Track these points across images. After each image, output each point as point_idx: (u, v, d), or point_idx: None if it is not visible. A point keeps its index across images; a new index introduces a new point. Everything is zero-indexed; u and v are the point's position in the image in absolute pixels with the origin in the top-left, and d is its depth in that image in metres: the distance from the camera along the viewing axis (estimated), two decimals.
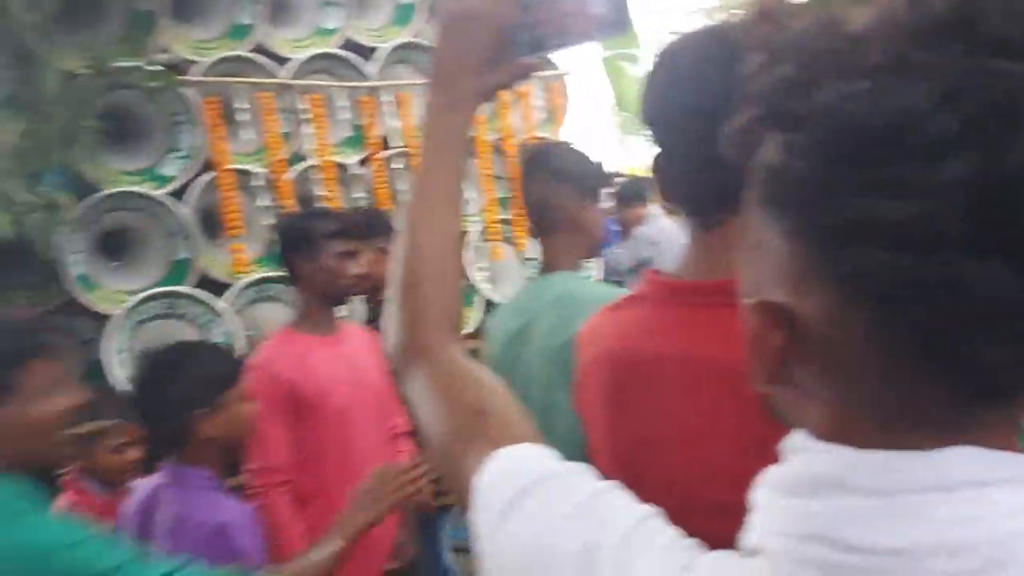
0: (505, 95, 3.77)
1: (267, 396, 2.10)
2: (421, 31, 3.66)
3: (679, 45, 0.87)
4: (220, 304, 3.03)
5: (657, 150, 0.93)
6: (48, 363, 1.41)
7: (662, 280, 0.92)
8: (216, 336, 3.05)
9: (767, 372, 0.49)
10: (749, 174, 0.50)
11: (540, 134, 3.97)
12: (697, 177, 0.83)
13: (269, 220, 3.23)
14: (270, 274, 3.20)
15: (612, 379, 0.91)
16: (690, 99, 0.81)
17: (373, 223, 2.81)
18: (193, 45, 3.10)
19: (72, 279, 2.82)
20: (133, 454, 2.27)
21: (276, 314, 3.33)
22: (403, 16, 3.63)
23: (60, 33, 2.62)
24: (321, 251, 2.29)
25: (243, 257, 3.12)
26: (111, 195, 2.87)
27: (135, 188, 2.93)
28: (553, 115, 4.04)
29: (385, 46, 3.51)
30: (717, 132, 0.78)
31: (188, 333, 3.05)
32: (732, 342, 0.79)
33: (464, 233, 3.84)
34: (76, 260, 2.85)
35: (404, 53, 3.59)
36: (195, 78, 3.00)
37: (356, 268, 2.37)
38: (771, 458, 0.70)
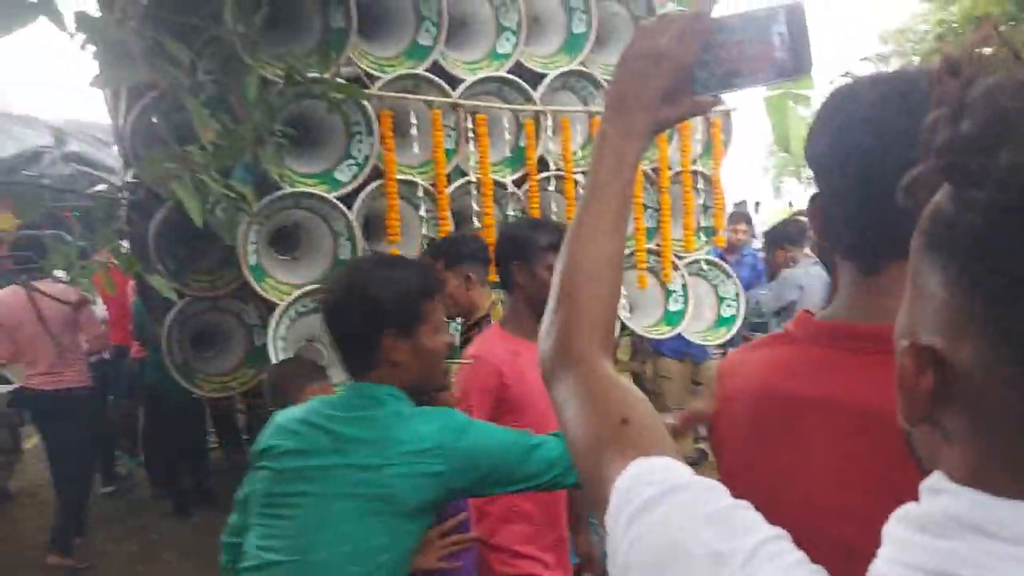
0: None
1: (477, 381, 2.20)
2: (588, 60, 3.75)
3: (856, 89, 0.87)
4: None
5: (815, 191, 0.93)
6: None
7: (814, 321, 0.92)
8: None
9: (914, 412, 0.51)
10: (919, 221, 0.52)
11: (696, 168, 3.97)
12: (863, 221, 0.83)
13: (426, 230, 3.40)
14: None
15: (753, 415, 0.92)
16: (865, 144, 0.81)
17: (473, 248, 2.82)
18: (376, 61, 3.31)
19: (247, 268, 3.07)
20: None
21: None
22: (573, 45, 3.73)
23: (263, 43, 2.87)
24: (538, 261, 2.35)
25: None
26: (289, 194, 3.11)
27: (311, 189, 3.16)
28: (712, 149, 4.03)
29: (552, 73, 3.61)
30: (890, 179, 0.80)
31: None
32: (879, 389, 0.80)
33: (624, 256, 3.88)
34: (252, 251, 3.11)
35: (569, 80, 3.69)
36: (375, 92, 3.20)
37: None
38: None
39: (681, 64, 0.82)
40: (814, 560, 0.80)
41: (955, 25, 14.13)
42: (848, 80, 0.90)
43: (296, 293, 3.12)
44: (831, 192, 0.88)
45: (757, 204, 15.76)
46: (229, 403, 4.97)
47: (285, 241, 3.39)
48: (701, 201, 4.06)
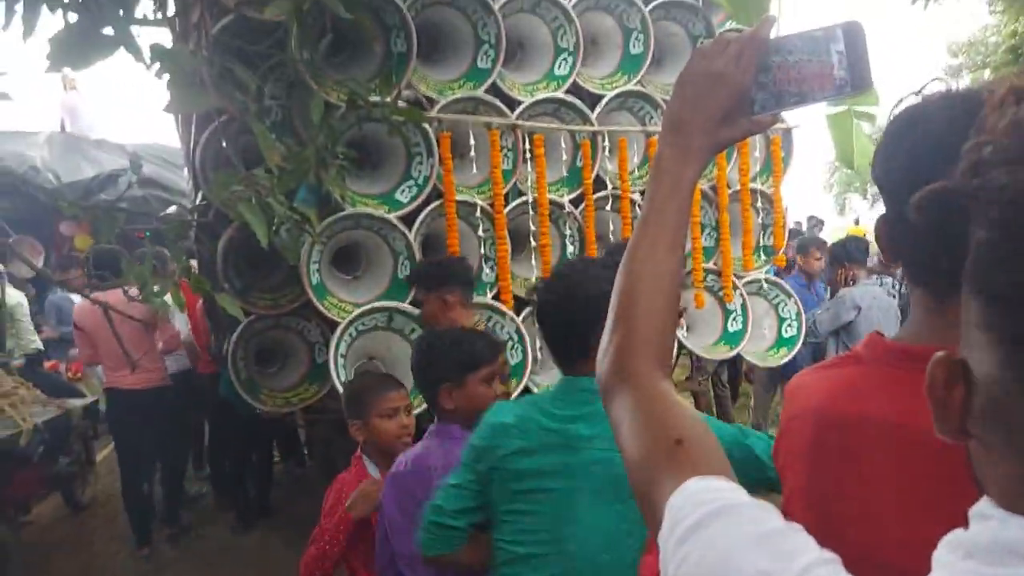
0: None
1: None
2: (645, 80, 3.76)
3: (927, 110, 0.86)
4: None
5: (883, 210, 0.92)
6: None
7: (884, 343, 0.91)
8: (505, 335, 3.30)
9: (946, 424, 0.52)
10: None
11: (756, 186, 3.93)
12: (933, 248, 0.82)
13: (484, 249, 3.44)
14: (477, 299, 3.40)
15: (814, 435, 0.92)
16: (937, 169, 0.80)
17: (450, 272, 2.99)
18: (436, 85, 3.38)
19: (309, 286, 3.15)
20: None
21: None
22: (631, 65, 3.74)
23: (326, 69, 2.96)
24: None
25: None
26: (351, 215, 3.18)
27: (372, 210, 3.23)
28: (772, 167, 3.99)
29: (609, 93, 3.63)
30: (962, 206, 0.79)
31: (400, 346, 3.31)
32: None
33: (684, 275, 3.87)
34: (314, 270, 3.19)
35: (627, 100, 3.70)
36: (434, 115, 3.26)
37: None
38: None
39: (739, 85, 0.83)
40: None
41: None
42: (917, 99, 0.89)
43: (357, 311, 3.18)
44: (900, 215, 0.87)
45: (821, 222, 15.42)
46: (292, 419, 5.08)
47: (346, 260, 3.47)
48: (760, 220, 4.01)
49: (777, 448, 1.00)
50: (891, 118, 0.92)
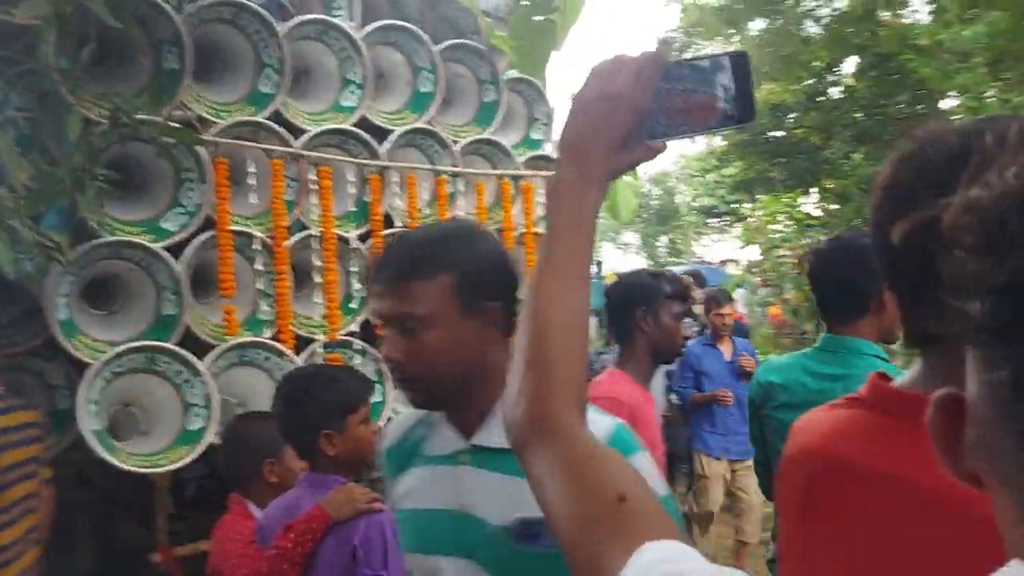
0: (509, 189, 3.86)
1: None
2: (434, 120, 3.75)
3: (931, 153, 0.82)
4: (200, 365, 2.97)
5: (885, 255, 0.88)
6: None
7: (890, 388, 0.88)
8: (191, 398, 2.98)
9: (950, 462, 0.49)
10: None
11: (540, 229, 4.04)
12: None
13: (262, 284, 3.21)
14: (255, 339, 3.17)
15: (812, 478, 0.88)
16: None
17: None
18: (212, 106, 3.14)
19: (55, 323, 2.76)
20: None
21: (252, 380, 3.28)
22: (419, 103, 3.72)
23: (87, 81, 2.64)
24: (662, 309, 2.52)
25: (233, 319, 3.08)
26: (108, 243, 2.84)
27: (134, 238, 2.91)
28: None
29: (399, 129, 3.57)
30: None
31: (164, 391, 2.99)
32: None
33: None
34: (62, 304, 2.80)
35: (415, 138, 3.66)
36: (210, 137, 3.01)
37: (686, 331, 2.68)
38: None
39: (639, 108, 0.79)
40: None
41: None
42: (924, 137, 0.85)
43: (113, 351, 2.83)
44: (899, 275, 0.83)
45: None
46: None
47: (101, 294, 3.09)
48: None
49: (778, 487, 0.97)
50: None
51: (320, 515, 1.90)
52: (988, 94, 8.78)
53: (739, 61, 0.80)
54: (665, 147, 0.84)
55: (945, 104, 11.86)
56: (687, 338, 2.73)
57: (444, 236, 1.36)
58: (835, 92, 15.77)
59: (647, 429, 2.30)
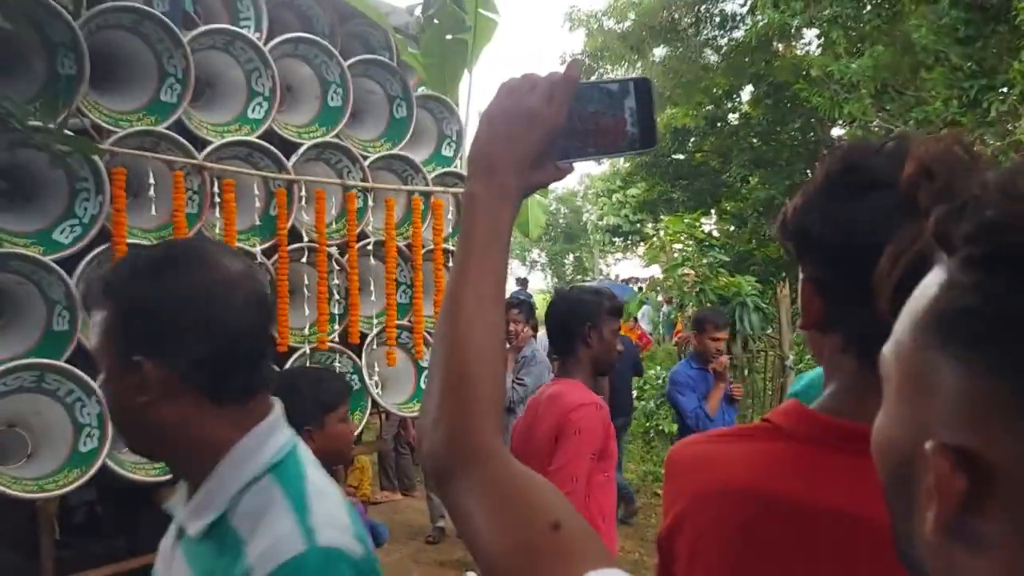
0: (419, 205, 3.85)
1: (603, 425, 2.49)
2: (342, 134, 3.72)
3: (874, 166, 0.81)
4: (94, 383, 2.84)
5: (812, 270, 0.86)
6: None
7: (816, 417, 0.84)
8: (83, 418, 2.85)
9: (943, 521, 0.44)
10: (915, 318, 0.48)
11: (448, 246, 4.04)
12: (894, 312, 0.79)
13: None
14: None
15: (745, 519, 0.83)
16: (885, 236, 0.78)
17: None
18: (110, 114, 3.02)
19: None
20: None
21: None
22: (328, 117, 3.67)
23: None
24: (605, 324, 2.65)
25: None
26: None
27: (22, 250, 2.76)
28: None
29: (307, 142, 3.52)
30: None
31: (54, 411, 2.84)
32: None
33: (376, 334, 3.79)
34: None
35: (324, 152, 3.62)
36: (108, 147, 2.90)
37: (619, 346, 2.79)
38: None
39: (552, 126, 0.78)
40: None
41: (658, 133, 16.02)
42: (851, 152, 0.84)
43: None
44: (850, 284, 0.75)
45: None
46: None
47: None
48: None
49: (678, 527, 0.89)
50: (830, 176, 0.86)
51: None
52: (873, 123, 9.31)
53: (643, 87, 0.81)
54: (572, 168, 0.83)
55: (835, 132, 12.52)
56: (620, 352, 2.88)
57: (131, 260, 1.07)
58: (733, 118, 16.42)
59: (612, 435, 2.55)
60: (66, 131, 2.75)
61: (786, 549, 0.80)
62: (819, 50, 11.17)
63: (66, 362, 2.82)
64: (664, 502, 0.94)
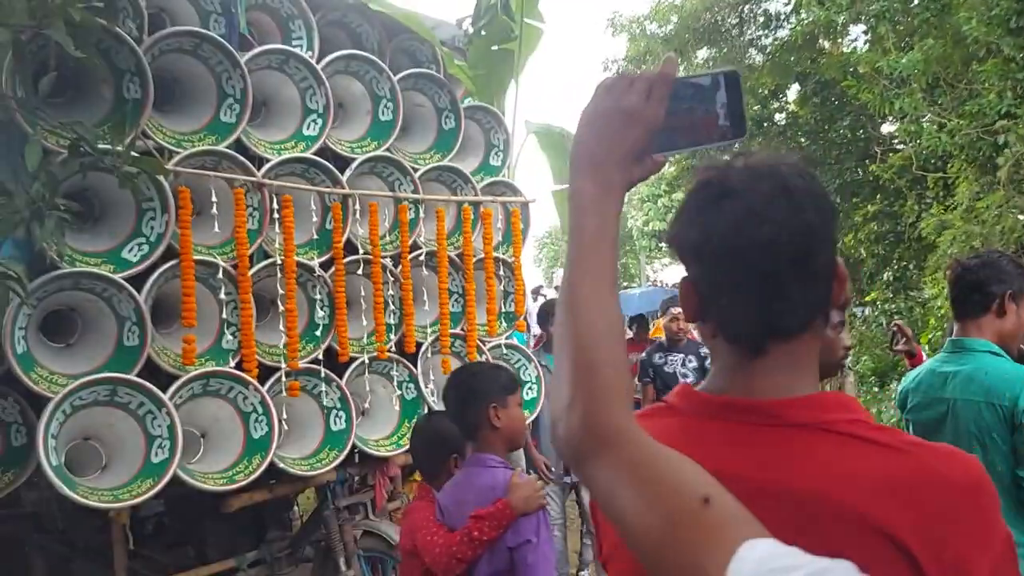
0: (470, 214, 3.90)
1: None
2: (393, 147, 3.79)
3: (733, 180, 0.89)
4: (164, 396, 2.94)
5: (684, 275, 0.95)
6: None
7: (701, 395, 0.94)
8: (155, 430, 2.94)
9: None
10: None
11: (498, 254, 4.08)
12: (753, 307, 0.87)
13: (226, 314, 3.19)
14: (218, 368, 3.14)
15: None
16: (762, 237, 0.85)
17: None
18: (173, 136, 3.13)
19: (13, 356, 2.70)
20: None
21: (215, 409, 3.25)
22: (380, 131, 3.75)
23: (47, 110, 2.62)
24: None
25: (192, 348, 3.05)
26: (68, 274, 2.80)
27: (94, 269, 2.87)
28: (512, 238, 4.17)
29: (360, 157, 3.60)
30: (784, 270, 0.85)
31: (126, 424, 2.94)
32: (783, 462, 0.83)
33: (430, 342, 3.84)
34: (19, 337, 2.74)
35: (376, 165, 3.69)
36: (174, 167, 3.00)
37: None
38: None
39: (652, 123, 0.82)
40: None
41: None
42: (716, 172, 0.93)
43: (74, 384, 2.78)
44: (714, 280, 0.90)
45: (536, 290, 16.36)
46: None
47: (59, 326, 3.04)
48: (503, 287, 4.16)
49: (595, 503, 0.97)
50: (694, 190, 0.95)
51: (507, 511, 2.15)
52: (925, 117, 9.12)
53: (732, 80, 0.86)
54: (667, 161, 0.88)
55: (886, 128, 12.28)
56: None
57: None
58: (780, 118, 16.20)
59: None
60: (132, 153, 2.85)
61: None
62: (866, 46, 10.98)
63: (137, 376, 2.93)
64: None
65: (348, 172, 3.56)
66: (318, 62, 3.53)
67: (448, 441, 2.58)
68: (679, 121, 0.85)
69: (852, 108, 12.35)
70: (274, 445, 3.19)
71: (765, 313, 0.88)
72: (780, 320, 0.88)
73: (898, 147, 11.24)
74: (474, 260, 3.97)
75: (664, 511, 0.68)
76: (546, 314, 5.51)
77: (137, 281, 2.98)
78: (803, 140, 14.88)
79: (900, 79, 9.04)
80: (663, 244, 25.16)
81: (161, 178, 2.95)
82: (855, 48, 11.76)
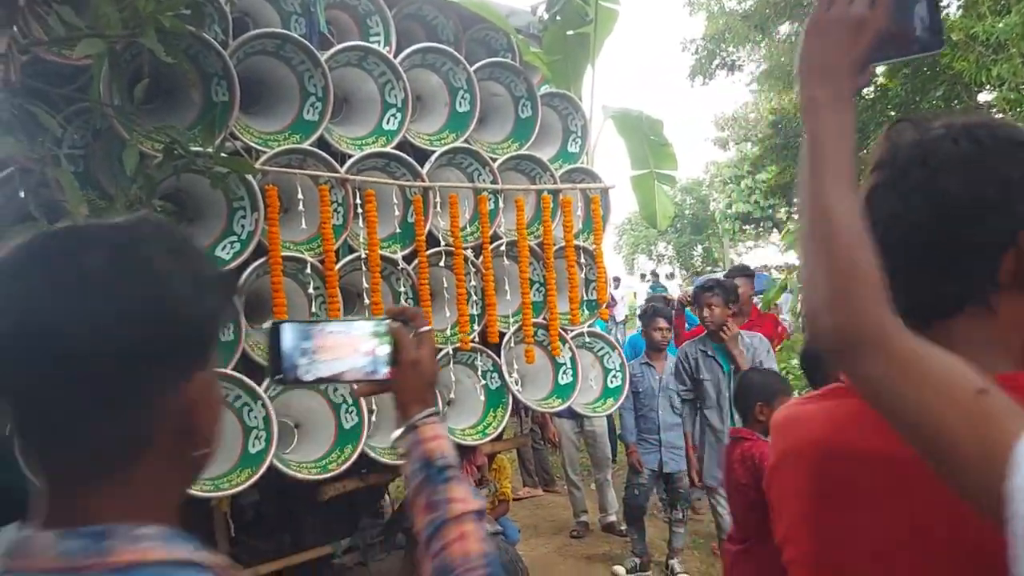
0: (549, 203, 3.88)
1: None
2: (471, 138, 3.80)
3: (927, 152, 0.88)
4: (259, 388, 3.03)
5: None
6: None
7: None
8: (251, 421, 3.04)
9: None
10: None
11: (579, 242, 4.06)
12: (919, 286, 0.86)
13: (315, 308, 3.27)
14: None
15: (816, 469, 0.91)
16: (893, 207, 0.85)
17: None
18: (259, 136, 3.22)
19: None
20: None
21: (308, 401, 3.34)
22: (457, 123, 3.77)
23: (142, 116, 2.73)
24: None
25: None
26: None
27: None
28: (592, 225, 4.14)
29: (439, 149, 3.63)
30: (959, 246, 0.82)
31: (225, 416, 3.05)
32: None
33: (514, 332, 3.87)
34: None
35: (455, 157, 3.71)
36: (262, 167, 3.09)
37: None
38: (983, 567, 0.69)
39: (878, 31, 0.83)
40: None
41: (789, 113, 15.43)
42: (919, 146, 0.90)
43: None
44: (891, 255, 0.86)
45: (616, 279, 16.23)
46: None
47: None
48: (584, 275, 4.14)
49: (770, 482, 0.99)
50: (894, 159, 0.92)
51: None
52: None
53: None
54: (875, 72, 0.90)
55: (983, 97, 11.68)
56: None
57: None
58: (868, 92, 15.60)
59: None
60: (222, 154, 2.95)
61: (852, 493, 0.86)
62: (960, 12, 10.47)
63: (232, 370, 3.04)
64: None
65: (428, 165, 3.59)
66: (395, 56, 3.57)
67: (759, 391, 3.19)
68: (889, 31, 0.86)
69: (945, 78, 11.78)
70: (364, 435, 3.26)
71: (907, 289, 0.85)
72: (940, 296, 0.84)
73: (997, 117, 10.67)
74: (554, 249, 3.96)
75: (942, 403, 0.69)
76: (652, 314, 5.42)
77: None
78: (893, 114, 14.29)
79: (997, 44, 8.58)
80: (746, 226, 24.59)
81: (250, 177, 3.04)
82: (947, 15, 11.21)
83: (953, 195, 0.83)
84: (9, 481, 3.63)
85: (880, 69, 15.12)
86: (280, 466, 3.07)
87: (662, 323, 5.34)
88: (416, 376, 0.97)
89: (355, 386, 0.81)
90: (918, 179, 0.85)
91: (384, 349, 0.96)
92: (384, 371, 0.96)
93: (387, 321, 0.98)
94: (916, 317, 0.86)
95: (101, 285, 0.65)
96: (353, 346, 0.97)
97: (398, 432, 0.96)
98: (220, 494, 2.94)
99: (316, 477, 3.19)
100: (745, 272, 6.15)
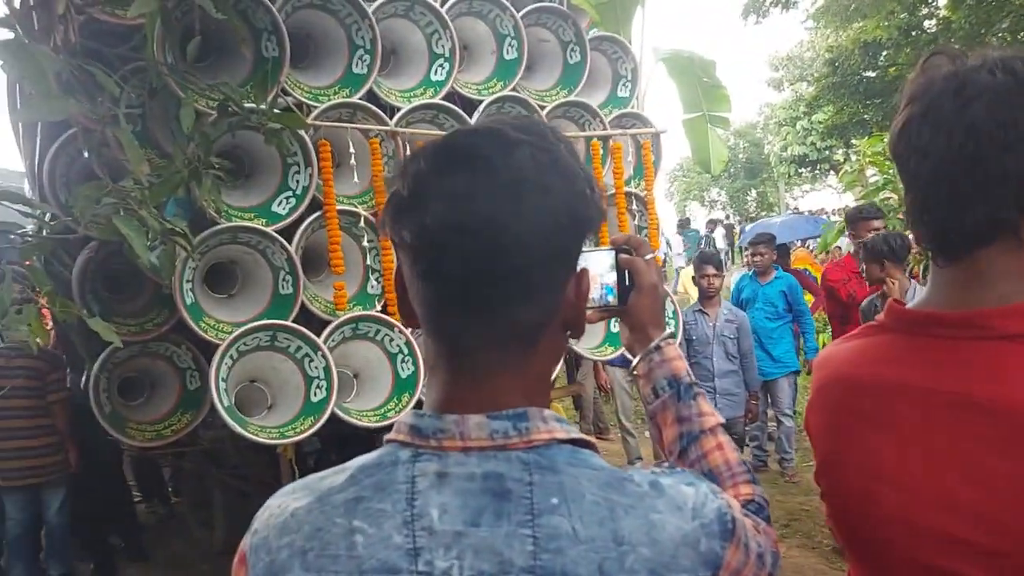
0: (599, 149, 3.85)
1: None
2: (518, 86, 3.77)
3: (962, 83, 0.85)
4: (319, 340, 3.11)
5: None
6: None
7: (905, 311, 0.93)
8: (312, 371, 3.13)
9: None
10: None
11: (630, 189, 4.02)
12: (948, 211, 0.84)
13: (370, 260, 3.32)
14: (365, 313, 3.29)
15: (842, 402, 0.93)
16: (926, 136, 0.84)
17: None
18: (310, 91, 3.24)
19: (183, 307, 2.93)
20: None
21: (365, 351, 3.41)
22: (505, 71, 3.74)
23: (195, 74, 2.77)
24: None
25: (343, 295, 3.20)
26: (226, 229, 2.99)
27: (249, 223, 3.05)
28: (643, 171, 4.09)
29: (488, 98, 3.61)
30: (957, 170, 0.81)
31: (286, 366, 3.14)
32: (972, 374, 0.80)
33: None
34: (187, 289, 2.97)
35: (504, 106, 3.69)
36: (314, 121, 3.12)
37: None
38: (1010, 496, 0.70)
39: None
40: (922, 557, 0.79)
41: (846, 50, 14.89)
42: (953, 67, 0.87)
43: (239, 331, 2.98)
44: (920, 187, 0.88)
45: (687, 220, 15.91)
46: (151, 454, 4.72)
47: (219, 278, 3.26)
48: (636, 222, 4.11)
49: (808, 419, 1.01)
50: (928, 91, 0.89)
51: None
52: None
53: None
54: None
55: None
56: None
57: None
58: (930, 25, 14.95)
59: None
60: (275, 110, 2.98)
61: (875, 421, 0.88)
62: None
63: (293, 322, 3.12)
64: None
65: (476, 114, 3.57)
66: (442, 5, 3.54)
67: None
68: None
69: (1012, 8, 11.20)
70: (420, 383, 3.32)
71: (940, 220, 0.84)
72: (961, 225, 0.83)
73: None
74: (606, 195, 3.93)
75: None
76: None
77: (287, 233, 3.14)
78: (957, 47, 13.68)
79: None
80: (802, 169, 24.01)
81: (303, 133, 3.08)
82: None
83: (985, 123, 0.80)
84: (83, 435, 3.84)
85: (943, 1, 14.47)
86: (341, 414, 3.15)
87: (710, 270, 5.27)
88: (655, 300, 1.01)
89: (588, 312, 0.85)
90: (952, 109, 0.82)
91: (611, 277, 0.99)
92: (610, 298, 0.99)
93: (613, 251, 1.01)
94: (949, 248, 0.86)
95: (532, 182, 0.71)
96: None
97: (639, 356, 1.00)
98: (285, 441, 3.03)
99: (376, 424, 3.27)
100: (763, 240, 5.99)
